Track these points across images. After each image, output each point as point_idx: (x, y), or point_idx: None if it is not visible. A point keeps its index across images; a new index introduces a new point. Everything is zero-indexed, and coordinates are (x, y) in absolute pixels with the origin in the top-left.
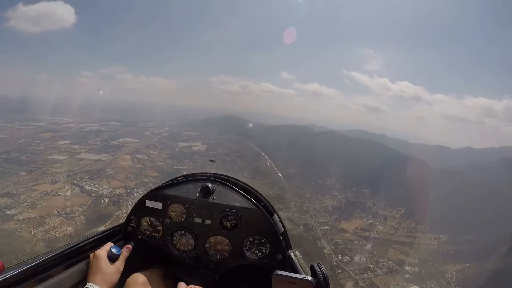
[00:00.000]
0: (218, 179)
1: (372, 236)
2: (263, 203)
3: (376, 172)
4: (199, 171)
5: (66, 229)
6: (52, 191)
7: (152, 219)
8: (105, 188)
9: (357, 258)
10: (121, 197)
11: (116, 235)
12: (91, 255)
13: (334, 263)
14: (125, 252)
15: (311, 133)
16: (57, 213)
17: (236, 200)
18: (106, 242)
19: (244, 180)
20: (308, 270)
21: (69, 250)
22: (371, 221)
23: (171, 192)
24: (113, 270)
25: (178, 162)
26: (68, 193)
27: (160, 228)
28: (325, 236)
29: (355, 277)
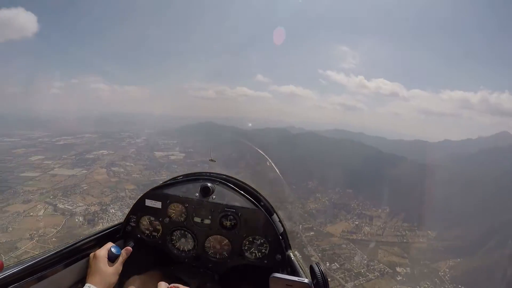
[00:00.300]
0: (218, 178)
1: (359, 238)
2: (262, 203)
3: (357, 171)
4: (199, 171)
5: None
6: (24, 211)
7: (152, 218)
8: (79, 206)
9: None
10: (96, 215)
11: (116, 234)
12: (91, 254)
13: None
14: (124, 253)
15: (289, 135)
16: (29, 236)
17: (235, 199)
18: (105, 241)
19: (244, 180)
20: (307, 270)
21: (68, 249)
22: (357, 222)
23: (170, 191)
24: (112, 271)
25: (155, 173)
26: (41, 213)
27: (159, 227)
28: (311, 243)
29: (346, 284)
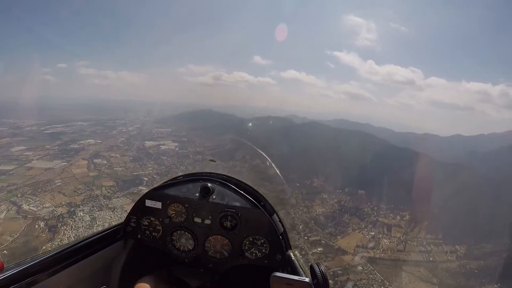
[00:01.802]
0: (218, 179)
1: (378, 256)
2: (262, 203)
3: (369, 167)
4: (199, 171)
5: None
6: None
7: (152, 218)
8: (45, 207)
9: None
10: (61, 219)
11: (116, 234)
12: None
13: None
14: None
15: (291, 125)
16: None
17: (236, 200)
18: (106, 242)
19: (244, 180)
20: (307, 270)
21: (68, 250)
22: (372, 233)
23: (170, 191)
24: None
25: (140, 166)
26: (3, 215)
27: (159, 227)
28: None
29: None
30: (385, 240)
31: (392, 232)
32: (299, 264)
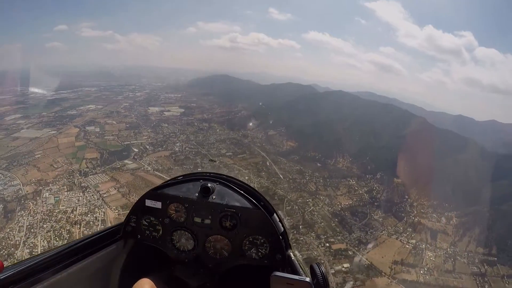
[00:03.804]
0: (218, 178)
1: (421, 279)
2: (262, 203)
3: (406, 150)
4: (199, 171)
5: None
6: None
7: (152, 218)
8: (12, 185)
9: None
10: (22, 201)
11: (116, 234)
12: None
13: None
14: None
15: (314, 93)
16: None
17: (236, 199)
18: (106, 242)
19: (244, 180)
20: (307, 270)
21: (68, 250)
22: (413, 241)
23: (170, 191)
24: None
25: (135, 134)
26: None
27: (159, 227)
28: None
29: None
30: (429, 253)
31: (438, 240)
32: (299, 264)
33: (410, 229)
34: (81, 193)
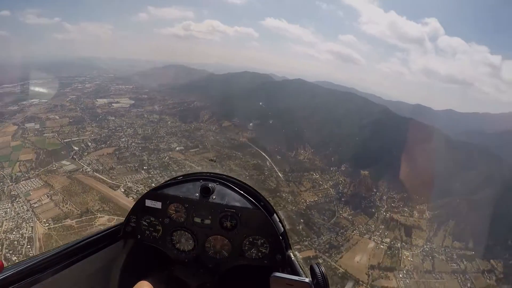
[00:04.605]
0: (218, 178)
1: (402, 284)
2: (262, 203)
3: (370, 138)
4: (199, 171)
5: None
6: None
7: (152, 218)
8: None
9: None
10: None
11: (116, 234)
12: None
13: None
14: None
15: (272, 82)
16: None
17: (236, 200)
18: (105, 242)
19: (244, 180)
20: (307, 270)
21: (68, 250)
22: (388, 239)
23: (170, 191)
24: None
25: (78, 130)
26: None
27: (159, 227)
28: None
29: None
30: (406, 253)
31: (413, 237)
32: (299, 264)
33: (383, 226)
34: (9, 204)
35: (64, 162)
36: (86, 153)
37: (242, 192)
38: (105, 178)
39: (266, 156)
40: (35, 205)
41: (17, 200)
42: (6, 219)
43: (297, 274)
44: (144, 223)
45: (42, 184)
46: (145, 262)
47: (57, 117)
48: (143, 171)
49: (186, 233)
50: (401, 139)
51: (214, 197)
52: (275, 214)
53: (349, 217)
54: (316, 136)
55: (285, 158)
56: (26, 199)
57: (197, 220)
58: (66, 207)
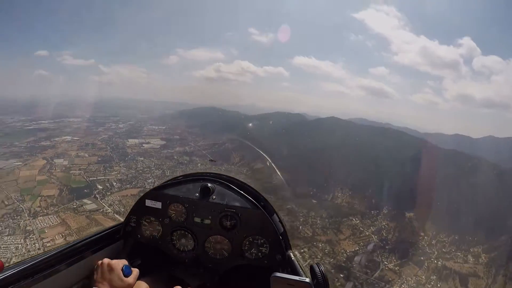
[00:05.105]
0: (218, 179)
1: None
2: (262, 203)
3: (413, 176)
4: (199, 171)
5: None
6: None
7: (152, 218)
8: None
9: None
10: None
11: (116, 234)
12: (104, 262)
13: None
14: (135, 272)
15: (304, 121)
16: None
17: (236, 200)
18: (106, 242)
19: (244, 180)
20: (307, 270)
21: (68, 249)
22: None
23: (171, 191)
24: (125, 285)
25: (105, 169)
26: None
27: (159, 227)
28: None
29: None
30: None
31: (469, 286)
32: (299, 264)
33: (435, 277)
34: (22, 240)
35: (85, 200)
36: (109, 193)
37: (242, 192)
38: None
39: (299, 201)
40: (47, 244)
41: (30, 236)
42: (16, 256)
43: (297, 274)
44: (144, 223)
45: (59, 222)
46: (145, 262)
47: (87, 155)
48: None
49: (186, 233)
50: (445, 173)
51: (214, 197)
52: (275, 214)
53: (396, 268)
54: (353, 177)
55: (321, 203)
56: (39, 236)
57: (197, 220)
58: None
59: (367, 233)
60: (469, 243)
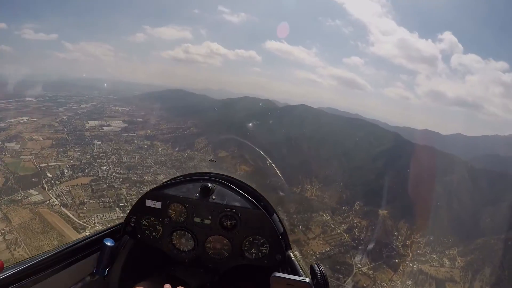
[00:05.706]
0: (218, 178)
1: None
2: (262, 203)
3: (387, 170)
4: (199, 171)
5: None
6: None
7: (152, 218)
8: None
9: None
10: None
11: (116, 234)
12: None
13: None
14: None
15: (273, 107)
16: None
17: (236, 200)
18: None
19: (244, 180)
20: (307, 270)
21: (68, 249)
22: None
23: (170, 191)
24: None
25: (58, 154)
26: None
27: (159, 227)
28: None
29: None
30: None
31: None
32: (299, 264)
33: (410, 282)
34: None
35: (31, 191)
36: (58, 182)
37: (242, 192)
38: (71, 216)
39: (265, 194)
40: None
41: None
42: None
43: (297, 274)
44: (144, 223)
45: (1, 215)
46: (145, 262)
47: (41, 138)
48: (117, 209)
49: (186, 233)
50: (418, 169)
51: (214, 197)
52: (275, 214)
53: (370, 272)
54: (324, 169)
55: (289, 195)
56: None
57: (197, 220)
58: (18, 252)
59: (338, 231)
60: (444, 244)
